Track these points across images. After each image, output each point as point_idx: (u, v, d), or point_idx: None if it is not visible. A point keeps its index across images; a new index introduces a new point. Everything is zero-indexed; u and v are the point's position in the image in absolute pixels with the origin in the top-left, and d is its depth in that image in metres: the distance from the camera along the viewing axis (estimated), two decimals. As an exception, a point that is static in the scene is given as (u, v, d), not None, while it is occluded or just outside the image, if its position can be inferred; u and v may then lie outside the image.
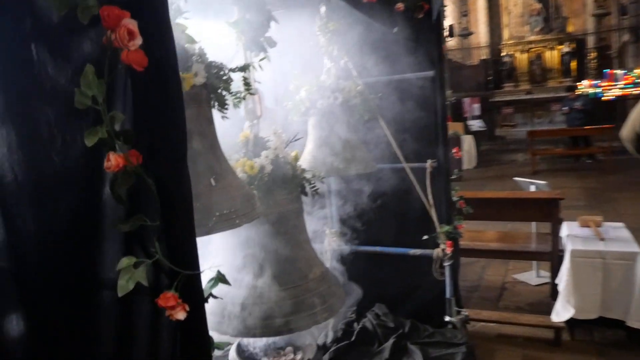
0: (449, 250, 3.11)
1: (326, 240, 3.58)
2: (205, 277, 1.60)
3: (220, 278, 1.27)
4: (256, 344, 2.52)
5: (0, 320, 1.23)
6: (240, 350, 2.49)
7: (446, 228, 3.14)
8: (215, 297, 1.27)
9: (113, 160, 0.99)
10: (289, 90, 3.17)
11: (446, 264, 3.17)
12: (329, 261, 3.52)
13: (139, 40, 0.96)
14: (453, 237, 3.16)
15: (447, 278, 3.19)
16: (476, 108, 13.44)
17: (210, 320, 2.19)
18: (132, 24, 0.95)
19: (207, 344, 1.19)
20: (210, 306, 2.24)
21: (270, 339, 2.55)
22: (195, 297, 1.15)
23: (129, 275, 1.03)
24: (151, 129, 1.09)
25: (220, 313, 2.17)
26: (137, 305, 1.14)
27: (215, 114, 1.94)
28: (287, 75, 3.19)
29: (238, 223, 1.68)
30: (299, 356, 2.55)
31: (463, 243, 4.36)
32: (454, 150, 3.40)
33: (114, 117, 1.04)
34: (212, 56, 1.89)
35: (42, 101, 1.04)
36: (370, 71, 3.16)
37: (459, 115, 12.56)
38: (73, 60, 0.99)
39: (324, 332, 3.15)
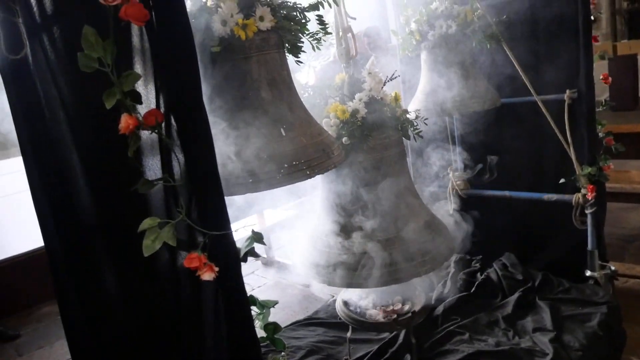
0: (590, 196, 2.66)
1: (450, 183, 3.34)
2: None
3: (255, 237, 1.22)
4: (363, 292, 2.49)
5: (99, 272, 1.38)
6: (345, 300, 2.49)
7: (588, 170, 2.67)
8: (256, 255, 1.22)
9: (123, 122, 0.98)
10: (400, 23, 2.92)
11: (588, 211, 2.73)
12: (452, 206, 3.29)
13: (125, -7, 0.91)
14: (597, 181, 2.69)
15: (589, 227, 2.75)
16: (663, 19, 11.05)
17: (309, 270, 2.23)
18: (112, -25, 0.89)
19: (245, 303, 1.17)
20: (307, 255, 2.26)
21: (378, 289, 2.50)
22: (228, 257, 1.12)
23: (154, 235, 1.04)
24: (168, 85, 1.05)
25: (315, 263, 2.17)
26: (179, 264, 1.15)
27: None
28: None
29: (309, 174, 1.60)
30: (407, 307, 2.46)
31: (624, 186, 3.73)
32: (601, 77, 2.83)
33: (130, 76, 1.02)
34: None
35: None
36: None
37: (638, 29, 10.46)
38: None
39: (442, 281, 3.00)
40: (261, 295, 3.76)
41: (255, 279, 4.10)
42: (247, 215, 4.12)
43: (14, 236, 4.21)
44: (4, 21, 1.32)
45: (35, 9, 1.21)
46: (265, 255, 4.28)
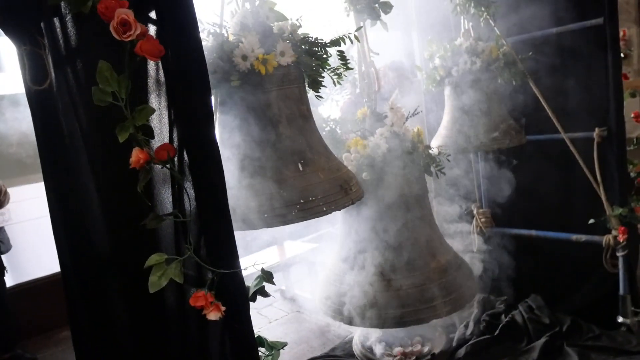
0: (622, 238, 2.55)
1: (474, 221, 3.25)
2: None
3: (265, 276, 1.18)
4: (381, 331, 2.41)
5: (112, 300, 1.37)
6: (363, 338, 2.42)
7: (619, 211, 2.57)
8: (265, 295, 1.19)
9: (134, 156, 0.97)
10: (424, 58, 2.91)
11: (619, 254, 2.61)
12: (476, 245, 3.20)
13: (137, 30, 0.91)
14: (628, 222, 2.58)
15: (620, 271, 2.63)
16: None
17: (324, 306, 2.18)
18: (126, 13, 0.90)
19: (252, 345, 1.13)
20: (323, 290, 2.21)
21: (397, 329, 2.42)
22: (236, 297, 1.09)
23: (161, 271, 1.02)
24: (181, 119, 1.05)
25: (330, 299, 2.12)
26: (187, 301, 1.13)
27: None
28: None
29: (325, 210, 1.58)
30: (426, 348, 2.37)
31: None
32: (632, 115, 2.74)
33: (144, 111, 1.02)
34: (313, 29, 1.79)
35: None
36: (520, 27, 2.70)
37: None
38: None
39: (465, 322, 2.89)
40: (278, 329, 3.70)
41: (273, 312, 4.03)
42: (266, 247, 4.10)
43: (34, 260, 4.27)
44: (30, 53, 1.36)
45: (61, 41, 1.24)
46: (284, 288, 4.22)
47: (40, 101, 1.38)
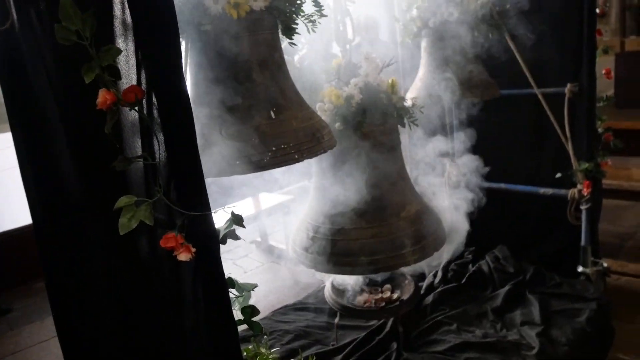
0: (586, 192, 2.64)
1: (446, 173, 3.32)
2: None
3: (235, 219, 1.20)
4: (352, 279, 2.49)
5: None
6: (334, 286, 2.49)
7: (585, 165, 2.65)
8: (236, 238, 1.21)
9: (101, 97, 0.96)
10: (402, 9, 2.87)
11: (583, 207, 2.71)
12: (448, 197, 3.27)
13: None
14: (593, 177, 2.66)
15: (583, 223, 2.74)
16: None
17: (296, 254, 2.22)
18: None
19: (223, 285, 1.16)
20: (296, 239, 2.26)
21: (367, 277, 2.49)
22: (206, 239, 1.11)
23: (130, 213, 1.03)
24: (149, 61, 1.03)
25: (303, 247, 2.17)
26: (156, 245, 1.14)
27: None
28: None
29: (297, 158, 1.58)
30: (395, 295, 2.46)
31: (622, 183, 3.71)
32: (604, 72, 2.78)
33: (110, 51, 1.00)
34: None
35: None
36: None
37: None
38: None
39: (433, 271, 2.99)
40: (253, 279, 3.76)
41: (249, 262, 4.10)
42: (241, 199, 4.12)
43: (10, 210, 4.22)
44: (-12, -8, 1.30)
45: (23, -23, 1.18)
46: (259, 239, 4.28)
47: (2, 43, 1.33)
